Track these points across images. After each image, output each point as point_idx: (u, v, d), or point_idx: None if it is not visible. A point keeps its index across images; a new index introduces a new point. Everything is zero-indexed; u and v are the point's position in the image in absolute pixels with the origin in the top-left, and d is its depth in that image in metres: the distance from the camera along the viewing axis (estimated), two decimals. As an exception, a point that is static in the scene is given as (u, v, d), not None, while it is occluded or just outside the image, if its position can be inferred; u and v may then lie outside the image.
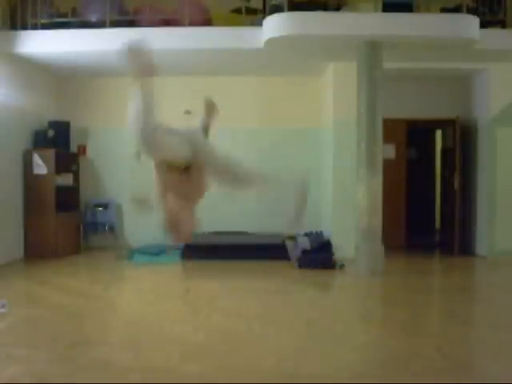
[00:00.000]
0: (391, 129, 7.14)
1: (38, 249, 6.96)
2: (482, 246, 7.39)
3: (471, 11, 6.20)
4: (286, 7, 5.89)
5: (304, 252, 6.48)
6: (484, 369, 3.16)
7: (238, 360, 3.25)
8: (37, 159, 6.97)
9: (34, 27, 6.52)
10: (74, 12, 6.71)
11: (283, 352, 3.41)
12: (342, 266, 6.36)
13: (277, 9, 6.00)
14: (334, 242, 6.69)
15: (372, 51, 6.00)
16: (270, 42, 5.98)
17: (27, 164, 7.00)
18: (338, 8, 6.19)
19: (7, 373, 3.02)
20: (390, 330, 3.96)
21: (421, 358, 3.29)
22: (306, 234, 6.92)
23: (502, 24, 6.54)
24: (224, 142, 8.38)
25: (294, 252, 6.73)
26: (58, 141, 7.30)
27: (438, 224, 9.40)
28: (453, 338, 3.79)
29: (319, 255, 6.45)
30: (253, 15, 6.63)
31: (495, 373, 3.08)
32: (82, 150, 8.01)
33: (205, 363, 3.19)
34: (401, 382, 2.90)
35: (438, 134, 9.11)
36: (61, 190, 7.19)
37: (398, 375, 3.02)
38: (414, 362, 3.21)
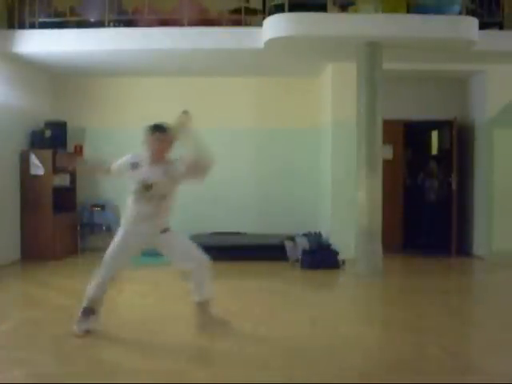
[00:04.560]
0: (389, 130, 7.14)
1: (35, 250, 6.89)
2: (479, 246, 7.43)
3: (470, 13, 6.23)
4: (286, 8, 5.88)
5: (306, 252, 6.48)
6: (492, 369, 3.16)
7: (243, 361, 3.24)
8: (34, 160, 6.91)
9: (32, 26, 6.46)
10: (72, 11, 6.65)
11: (289, 353, 3.40)
12: (343, 263, 6.41)
13: (277, 9, 6.00)
14: (333, 242, 6.69)
15: (372, 52, 6.01)
16: (270, 42, 5.96)
17: (24, 164, 6.93)
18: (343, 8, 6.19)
19: (11, 375, 2.99)
20: (394, 331, 3.97)
21: (428, 358, 3.30)
22: (305, 235, 6.93)
23: (500, 26, 6.58)
24: (223, 142, 8.38)
25: (293, 252, 6.73)
26: (54, 141, 7.23)
27: (435, 224, 9.40)
28: (457, 337, 3.82)
29: (324, 255, 6.46)
30: (253, 15, 6.61)
31: (503, 373, 3.09)
32: (79, 150, 7.95)
33: (211, 364, 3.18)
34: (408, 381, 2.90)
35: (436, 135, 9.13)
36: (58, 191, 7.13)
37: (405, 375, 3.02)
38: (422, 362, 3.22)
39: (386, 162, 6.53)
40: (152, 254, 6.89)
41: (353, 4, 6.22)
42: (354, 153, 6.23)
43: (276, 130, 7.87)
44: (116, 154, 7.89)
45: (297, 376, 3.00)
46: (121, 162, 3.77)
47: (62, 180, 7.36)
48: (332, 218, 7.13)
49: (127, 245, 3.73)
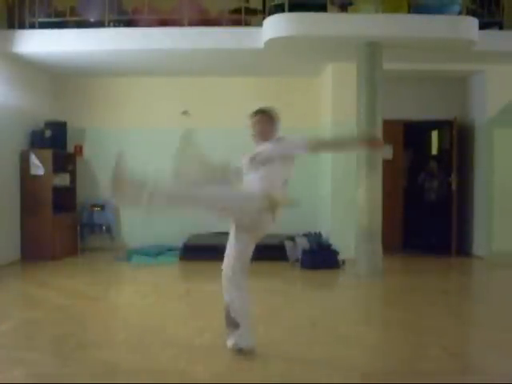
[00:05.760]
0: (389, 130, 7.14)
1: (35, 250, 6.88)
2: (479, 246, 7.43)
3: (470, 13, 6.23)
4: (286, 8, 5.88)
5: (306, 252, 6.48)
6: (492, 369, 3.16)
7: (245, 362, 3.23)
8: (34, 160, 6.90)
9: (32, 26, 6.45)
10: (72, 11, 6.65)
11: (290, 353, 3.40)
12: (343, 263, 6.43)
13: (277, 9, 5.99)
14: (333, 242, 6.69)
15: (372, 52, 6.01)
16: (270, 42, 5.96)
17: (24, 164, 6.93)
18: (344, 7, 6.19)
19: (11, 375, 2.99)
20: (394, 331, 3.97)
21: (428, 358, 3.29)
22: (305, 235, 6.92)
23: (500, 26, 6.58)
24: (223, 142, 8.36)
25: (293, 252, 6.73)
26: (54, 141, 7.23)
27: (435, 224, 9.41)
28: (457, 337, 3.81)
29: (324, 255, 6.46)
30: (253, 15, 6.61)
31: (503, 373, 3.09)
32: (79, 150, 7.95)
33: (213, 365, 3.17)
34: (408, 381, 2.90)
35: (436, 135, 9.15)
36: (58, 191, 7.13)
37: (405, 375, 3.01)
38: (422, 362, 3.22)
39: (385, 162, 6.53)
40: (151, 254, 6.97)
41: (351, 4, 6.23)
42: (353, 153, 6.22)
43: (276, 130, 7.84)
44: (115, 154, 7.95)
45: (297, 376, 3.00)
46: None
47: (62, 180, 7.36)
48: (332, 218, 7.13)
49: None
